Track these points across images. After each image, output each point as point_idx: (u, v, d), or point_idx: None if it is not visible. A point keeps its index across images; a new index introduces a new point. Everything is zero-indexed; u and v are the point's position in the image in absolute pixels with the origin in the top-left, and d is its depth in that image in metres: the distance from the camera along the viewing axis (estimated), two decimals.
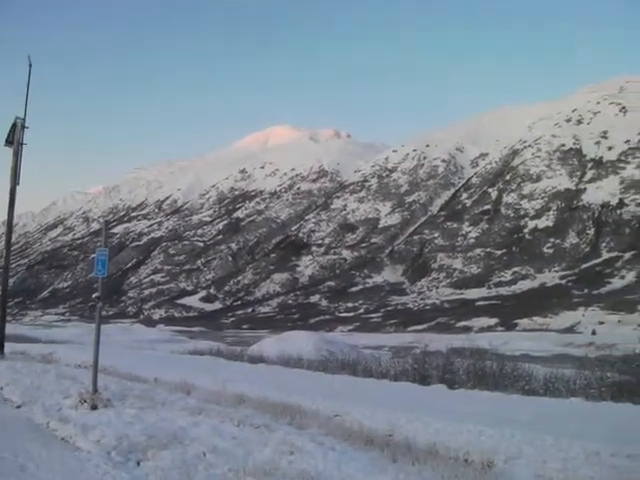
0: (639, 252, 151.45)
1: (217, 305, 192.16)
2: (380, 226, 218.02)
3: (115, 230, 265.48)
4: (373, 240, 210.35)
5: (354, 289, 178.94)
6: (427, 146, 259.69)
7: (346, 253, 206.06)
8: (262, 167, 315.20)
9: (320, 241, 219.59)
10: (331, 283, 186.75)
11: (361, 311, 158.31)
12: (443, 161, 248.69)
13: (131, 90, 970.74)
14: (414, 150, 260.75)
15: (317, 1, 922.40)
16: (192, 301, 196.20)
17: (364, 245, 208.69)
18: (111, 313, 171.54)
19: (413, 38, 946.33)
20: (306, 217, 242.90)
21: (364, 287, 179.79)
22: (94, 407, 11.70)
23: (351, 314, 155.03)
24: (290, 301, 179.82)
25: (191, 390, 15.74)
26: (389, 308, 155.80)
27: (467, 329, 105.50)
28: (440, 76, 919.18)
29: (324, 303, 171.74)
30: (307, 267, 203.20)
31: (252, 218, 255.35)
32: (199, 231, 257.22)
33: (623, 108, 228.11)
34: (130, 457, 8.59)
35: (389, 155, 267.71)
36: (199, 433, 9.89)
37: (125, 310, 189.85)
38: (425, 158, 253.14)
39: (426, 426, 12.08)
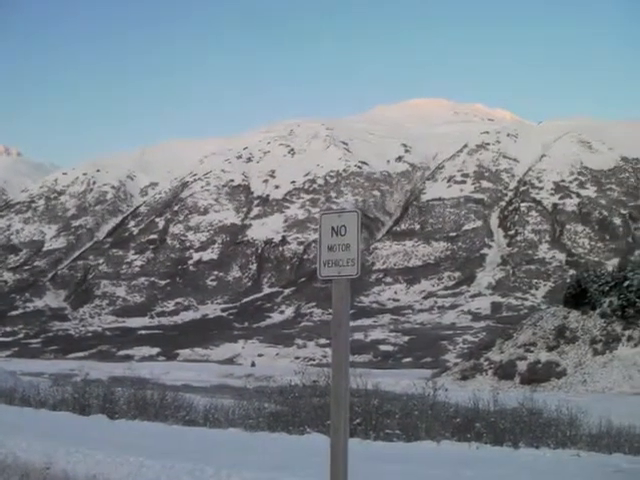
0: (298, 288, 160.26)
1: None
2: (45, 249, 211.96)
3: None
4: (36, 263, 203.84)
5: (14, 313, 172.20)
6: (98, 171, 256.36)
7: (7, 275, 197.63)
8: None
9: None
10: None
11: (21, 336, 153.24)
12: (113, 187, 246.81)
13: None
14: (84, 174, 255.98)
15: None
16: None
17: (27, 268, 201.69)
18: None
19: (78, 62, 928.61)
20: None
21: (25, 311, 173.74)
22: None
23: (10, 339, 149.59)
24: None
25: None
26: (50, 334, 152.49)
27: (129, 358, 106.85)
28: (114, 102, 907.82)
29: None
30: None
31: None
32: None
33: (292, 150, 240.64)
34: None
35: (59, 177, 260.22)
36: None
37: None
38: (95, 183, 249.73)
39: (86, 457, 11.76)
